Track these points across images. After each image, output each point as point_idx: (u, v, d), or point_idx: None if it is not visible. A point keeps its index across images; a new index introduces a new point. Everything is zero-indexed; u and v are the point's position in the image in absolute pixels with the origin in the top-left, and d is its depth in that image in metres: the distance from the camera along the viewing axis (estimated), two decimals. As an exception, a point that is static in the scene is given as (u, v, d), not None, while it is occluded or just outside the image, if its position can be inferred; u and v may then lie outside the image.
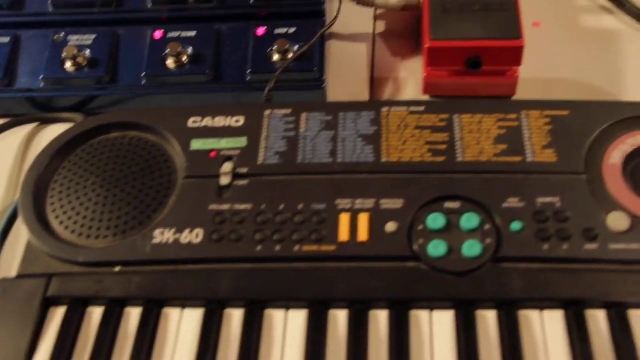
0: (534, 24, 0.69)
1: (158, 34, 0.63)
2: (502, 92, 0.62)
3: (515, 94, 0.62)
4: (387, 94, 0.64)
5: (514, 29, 0.58)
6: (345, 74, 0.66)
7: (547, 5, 0.70)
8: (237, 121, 0.54)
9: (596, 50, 0.66)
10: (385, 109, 0.53)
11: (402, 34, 0.68)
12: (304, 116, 0.54)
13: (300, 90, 0.61)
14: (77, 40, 0.64)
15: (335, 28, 0.68)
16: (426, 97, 0.63)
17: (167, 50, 0.61)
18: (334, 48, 0.68)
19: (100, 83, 0.62)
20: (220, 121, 0.54)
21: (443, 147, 0.51)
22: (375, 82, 0.65)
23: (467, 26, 0.59)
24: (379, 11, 0.70)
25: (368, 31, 0.69)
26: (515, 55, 0.59)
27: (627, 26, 0.68)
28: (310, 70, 0.60)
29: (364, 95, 0.64)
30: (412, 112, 0.53)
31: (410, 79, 0.65)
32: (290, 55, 0.61)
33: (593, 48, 0.67)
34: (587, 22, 0.69)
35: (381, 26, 0.70)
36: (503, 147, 0.51)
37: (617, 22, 0.69)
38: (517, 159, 0.50)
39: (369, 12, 0.70)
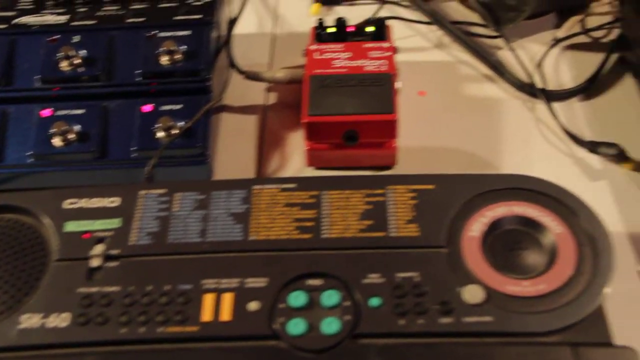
0: (420, 92, 0.71)
1: (46, 112, 0.64)
2: (382, 162, 0.64)
3: (396, 163, 0.64)
4: (273, 166, 0.66)
5: (387, 104, 0.60)
6: (235, 147, 0.67)
7: (433, 74, 0.73)
8: (113, 202, 0.55)
9: (478, 118, 0.69)
10: (257, 187, 0.55)
11: (291, 106, 0.70)
12: (177, 195, 0.55)
13: (185, 166, 0.62)
14: (-34, 119, 0.64)
15: (229, 101, 0.70)
16: (311, 169, 0.65)
17: (53, 129, 0.62)
18: (225, 121, 0.69)
19: (-14, 163, 0.63)
20: (96, 202, 0.55)
21: (310, 224, 0.52)
22: (263, 155, 0.67)
23: (344, 101, 0.61)
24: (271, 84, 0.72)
25: (260, 103, 0.71)
26: (389, 129, 0.61)
27: (508, 94, 0.71)
28: (193, 146, 0.62)
29: (251, 169, 0.65)
30: (283, 190, 0.54)
31: (297, 151, 0.66)
32: (176, 131, 0.62)
33: (475, 116, 0.69)
34: (471, 91, 0.72)
35: (273, 98, 0.71)
36: (368, 222, 0.52)
37: (498, 90, 0.72)
38: (381, 234, 0.52)
39: (262, 84, 0.72)
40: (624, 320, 0.53)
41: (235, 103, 0.71)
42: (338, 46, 0.65)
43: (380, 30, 0.68)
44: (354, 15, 0.79)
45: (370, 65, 0.63)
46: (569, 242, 0.51)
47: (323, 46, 0.65)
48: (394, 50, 0.65)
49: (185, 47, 0.65)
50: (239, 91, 0.71)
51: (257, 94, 0.72)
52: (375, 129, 0.61)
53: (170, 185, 0.56)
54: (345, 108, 0.60)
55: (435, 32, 0.78)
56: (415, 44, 0.76)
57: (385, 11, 0.80)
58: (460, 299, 0.48)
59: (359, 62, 0.64)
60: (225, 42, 0.71)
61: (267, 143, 0.67)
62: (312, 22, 0.79)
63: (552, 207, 0.53)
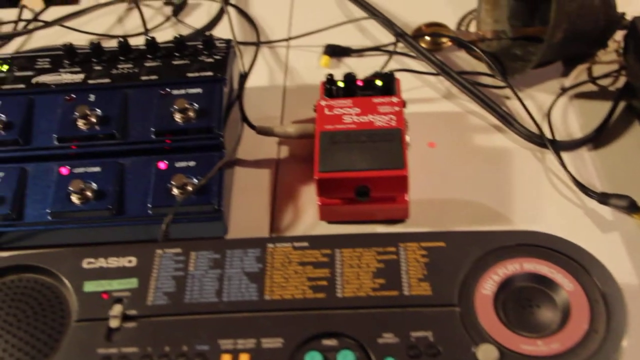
0: (430, 144, 0.72)
1: (64, 170, 0.65)
2: (394, 216, 0.65)
3: (409, 216, 0.65)
4: (286, 221, 0.66)
5: (398, 159, 0.61)
6: (249, 201, 0.68)
7: (442, 125, 0.74)
8: (130, 261, 0.56)
9: (488, 169, 0.70)
10: (270, 246, 0.56)
11: (303, 160, 0.71)
12: (193, 255, 0.56)
13: (200, 222, 0.63)
14: (-15, 178, 0.66)
15: (242, 155, 0.72)
16: (323, 223, 0.66)
17: (71, 188, 0.63)
18: (238, 175, 0.70)
19: (6, 220, 0.64)
20: (113, 262, 0.56)
21: (324, 283, 0.53)
22: (276, 209, 0.67)
23: (354, 157, 0.62)
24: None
25: (272, 157, 0.72)
26: (400, 184, 0.62)
27: (517, 145, 0.72)
28: (208, 202, 0.63)
29: (265, 223, 0.66)
30: (296, 248, 0.55)
31: (309, 205, 0.67)
32: (190, 188, 0.63)
33: (485, 167, 0.70)
34: (480, 141, 0.72)
35: (284, 152, 0.73)
36: (381, 281, 0.53)
37: (507, 140, 0.72)
38: (394, 293, 0.52)
39: (274, 138, 0.73)
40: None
41: (248, 157, 0.72)
42: (347, 102, 0.66)
43: (388, 83, 0.69)
44: (363, 67, 0.81)
45: (379, 121, 0.64)
46: (581, 299, 0.51)
47: (332, 102, 0.66)
48: (403, 104, 0.66)
49: (198, 105, 0.67)
50: (251, 145, 0.72)
51: (269, 147, 0.73)
52: (386, 184, 0.61)
53: (186, 244, 0.57)
54: (356, 164, 0.61)
55: (443, 83, 0.79)
56: (423, 94, 0.77)
57: (393, 62, 0.81)
58: (475, 359, 0.48)
59: (368, 118, 0.65)
60: (237, 97, 0.73)
61: (280, 197, 0.68)
62: (322, 74, 0.80)
63: (563, 264, 0.53)
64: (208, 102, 0.67)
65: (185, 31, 0.88)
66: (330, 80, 0.69)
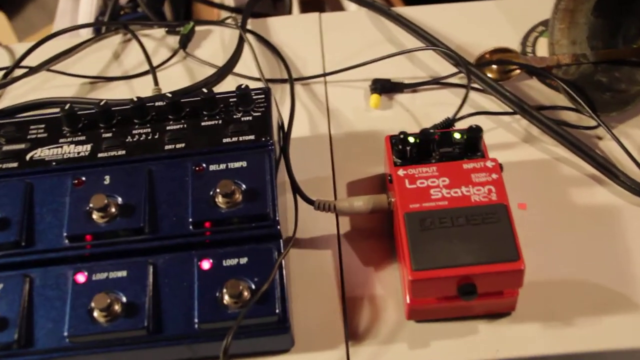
0: (520, 205, 0.60)
1: (81, 277, 0.52)
2: (499, 309, 0.54)
3: (515, 309, 0.53)
4: (364, 321, 0.54)
5: (510, 248, 0.49)
6: (312, 296, 0.55)
7: (530, 179, 0.62)
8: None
9: (594, 235, 0.58)
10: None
11: (371, 235, 0.58)
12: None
13: (261, 337, 0.50)
14: (-17, 293, 0.52)
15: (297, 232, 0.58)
16: (411, 322, 0.53)
17: (93, 304, 0.50)
18: (294, 259, 0.57)
19: (10, 349, 0.50)
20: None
21: None
22: (347, 305, 0.55)
23: (455, 247, 0.49)
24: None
25: (331, 232, 0.59)
26: (515, 279, 0.49)
27: (624, 200, 0.60)
28: (271, 313, 0.50)
29: (337, 325, 0.53)
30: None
31: (389, 297, 0.55)
32: (246, 294, 0.50)
33: (590, 232, 0.58)
34: (578, 198, 0.60)
35: (345, 225, 0.59)
36: None
37: (611, 195, 0.60)
38: None
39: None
40: None
41: (303, 234, 0.58)
42: (431, 169, 0.53)
43: (472, 138, 0.56)
44: (419, 104, 0.68)
45: (476, 194, 0.52)
46: None
47: (413, 170, 0.53)
48: (500, 168, 0.53)
49: (244, 183, 0.53)
50: (303, 218, 0.59)
51: (324, 219, 0.59)
52: (498, 280, 0.49)
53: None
54: (459, 257, 0.49)
55: (519, 122, 0.66)
56: (499, 138, 0.65)
57: (456, 99, 0.68)
58: None
59: (462, 190, 0.52)
60: (280, 157, 0.59)
61: (350, 287, 0.55)
62: (373, 117, 0.68)
63: None
64: (257, 178, 0.54)
65: (197, 68, 0.74)
66: (402, 139, 0.55)
